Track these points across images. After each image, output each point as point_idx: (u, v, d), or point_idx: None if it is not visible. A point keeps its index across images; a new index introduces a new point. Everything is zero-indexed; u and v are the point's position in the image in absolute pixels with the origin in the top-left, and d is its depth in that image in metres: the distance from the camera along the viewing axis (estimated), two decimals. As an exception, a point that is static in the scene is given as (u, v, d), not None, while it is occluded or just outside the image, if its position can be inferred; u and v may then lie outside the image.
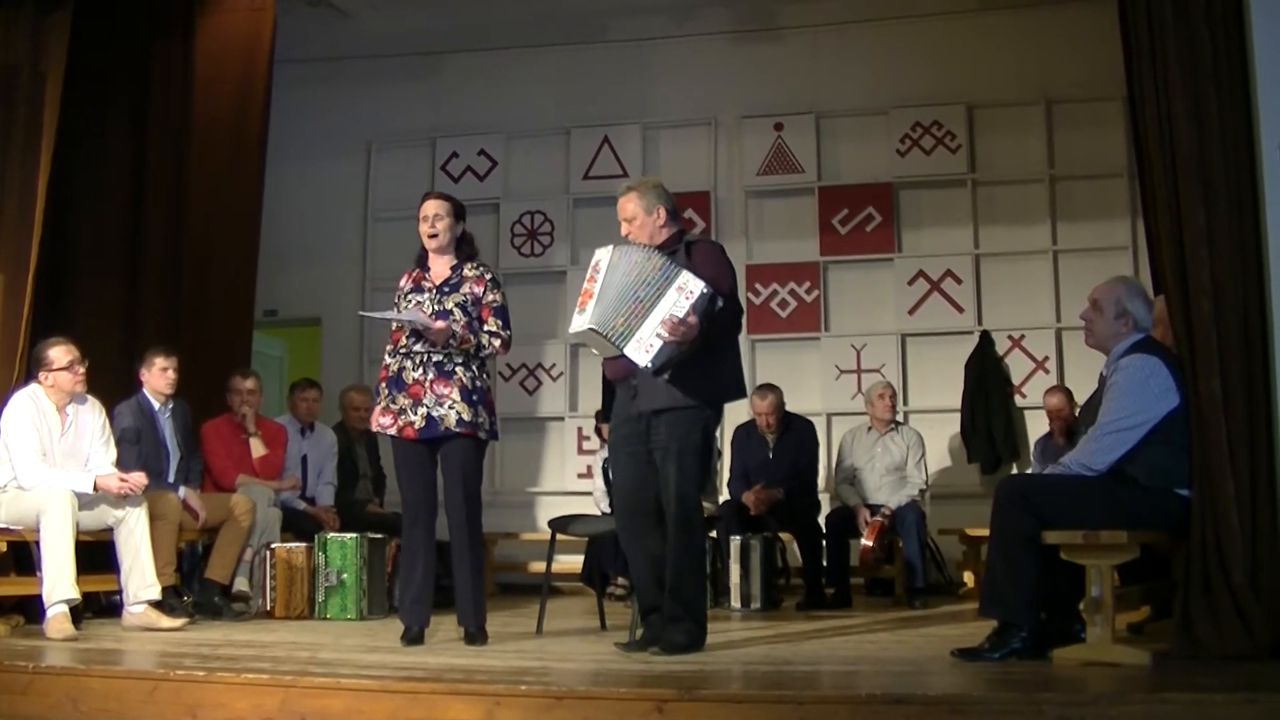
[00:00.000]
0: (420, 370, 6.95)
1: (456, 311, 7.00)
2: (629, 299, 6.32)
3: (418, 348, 6.97)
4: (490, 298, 7.12)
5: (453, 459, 6.98)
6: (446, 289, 7.08)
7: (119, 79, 10.20)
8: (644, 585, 6.61)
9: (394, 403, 6.99)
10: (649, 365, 6.24)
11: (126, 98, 10.26)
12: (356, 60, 13.15)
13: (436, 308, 7.01)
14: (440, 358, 6.95)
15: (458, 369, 6.97)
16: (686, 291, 6.26)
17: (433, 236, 7.13)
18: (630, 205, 6.71)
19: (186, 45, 10.50)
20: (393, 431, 7.00)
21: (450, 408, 6.90)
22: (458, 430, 6.90)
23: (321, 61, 12.95)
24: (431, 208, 7.16)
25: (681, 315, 6.20)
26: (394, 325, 7.12)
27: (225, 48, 10.73)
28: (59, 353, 7.84)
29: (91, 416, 8.05)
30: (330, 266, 13.19)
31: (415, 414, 6.92)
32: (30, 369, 8.06)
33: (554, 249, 12.94)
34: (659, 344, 6.21)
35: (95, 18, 9.51)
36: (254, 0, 10.72)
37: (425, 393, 6.92)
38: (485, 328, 7.07)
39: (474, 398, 6.98)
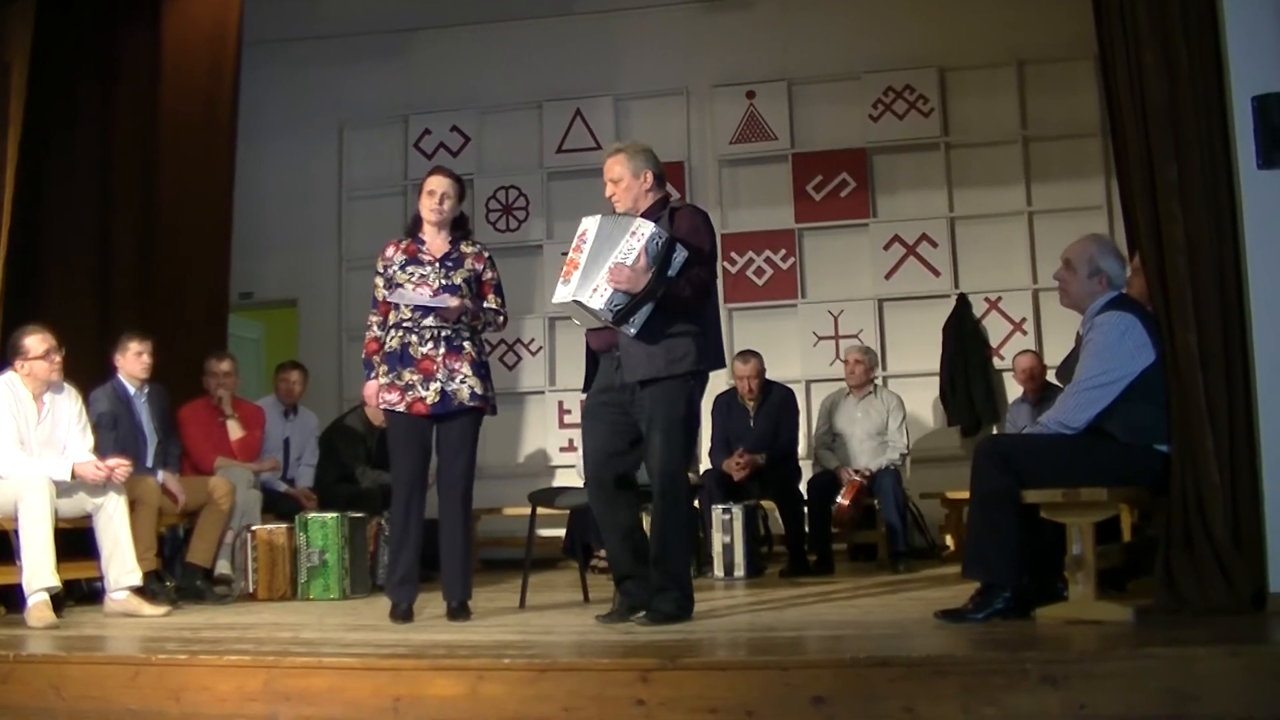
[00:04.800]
0: (430, 345, 6.93)
1: (464, 287, 7.00)
2: (604, 264, 6.34)
3: (427, 322, 6.94)
4: (490, 275, 7.17)
5: (457, 433, 7.00)
6: (450, 264, 7.06)
7: (86, 66, 10.09)
8: (617, 554, 6.65)
9: (400, 379, 6.95)
10: (602, 307, 6.25)
11: (94, 84, 10.15)
12: (325, 40, 13.10)
13: (444, 281, 6.99)
14: (449, 332, 6.94)
15: (466, 343, 6.98)
16: (639, 235, 6.30)
17: (435, 211, 7.09)
18: (617, 167, 6.67)
19: (153, 30, 10.41)
20: (401, 408, 6.95)
21: (463, 382, 6.91)
22: (471, 404, 6.93)
23: (290, 42, 12.91)
24: (442, 184, 7.12)
25: (629, 261, 6.24)
26: (382, 299, 7.08)
27: (193, 31, 10.67)
28: (35, 341, 7.79)
29: (68, 404, 8.01)
30: (306, 247, 13.16)
31: (427, 389, 6.89)
32: (6, 357, 8.01)
33: (529, 223, 12.94)
34: (609, 290, 6.24)
35: (60, 4, 9.43)
36: (220, -18, 10.68)
37: (438, 368, 6.90)
38: (486, 304, 7.10)
39: (482, 371, 7.03)
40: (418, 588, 7.04)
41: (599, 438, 6.69)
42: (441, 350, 6.92)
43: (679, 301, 6.37)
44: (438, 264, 7.05)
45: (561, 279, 6.47)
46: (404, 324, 7.00)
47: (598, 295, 6.28)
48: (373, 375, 7.10)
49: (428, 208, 7.12)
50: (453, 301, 6.88)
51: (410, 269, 7.06)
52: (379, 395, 7.03)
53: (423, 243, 7.16)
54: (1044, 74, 12.00)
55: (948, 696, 4.60)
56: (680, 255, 6.37)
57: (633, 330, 6.33)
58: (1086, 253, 6.22)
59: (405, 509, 7.02)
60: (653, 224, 6.35)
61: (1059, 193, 11.82)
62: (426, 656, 5.33)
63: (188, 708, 5.25)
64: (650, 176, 6.66)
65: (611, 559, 6.72)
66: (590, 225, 6.51)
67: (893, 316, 12.16)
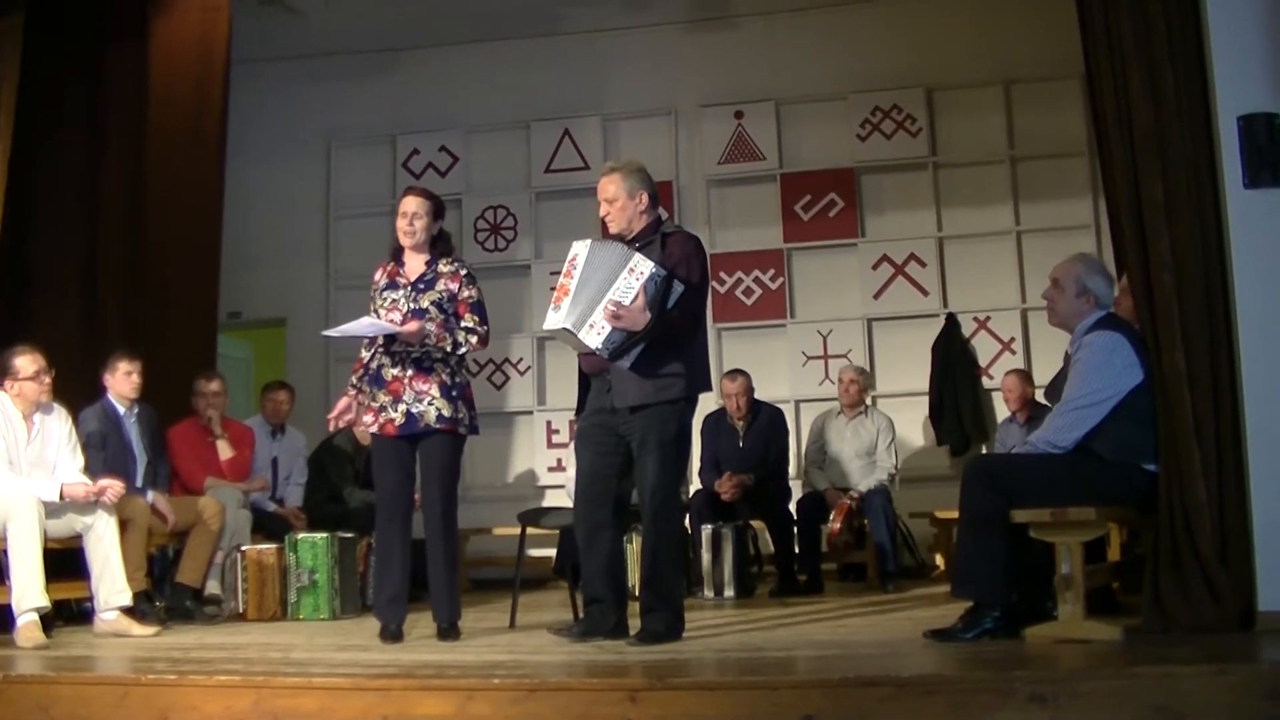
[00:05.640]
0: (399, 367, 6.94)
1: (432, 309, 6.97)
2: (597, 295, 6.32)
3: (396, 346, 6.95)
4: (466, 294, 7.10)
5: (432, 455, 6.96)
6: (421, 286, 7.05)
7: (74, 83, 10.10)
8: (593, 576, 6.61)
9: (374, 400, 6.99)
10: (600, 348, 6.25)
11: (82, 102, 10.17)
12: (313, 59, 13.11)
13: (412, 305, 6.98)
14: (419, 355, 6.94)
15: (436, 365, 6.96)
16: (636, 273, 6.28)
17: (408, 234, 7.09)
18: (611, 187, 6.63)
19: (141, 47, 10.40)
20: (374, 429, 6.99)
21: (430, 404, 6.89)
22: (438, 426, 6.90)
23: (278, 61, 12.91)
24: (411, 205, 7.11)
25: (628, 300, 6.23)
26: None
27: (180, 49, 10.65)
28: (25, 362, 7.79)
29: (58, 424, 8.00)
30: (293, 267, 13.16)
31: (395, 411, 6.91)
32: (-5, 377, 8.01)
33: (517, 243, 12.94)
34: (607, 329, 6.24)
35: (48, 22, 9.44)
36: (208, 0, 10.64)
37: (405, 389, 6.91)
38: (462, 324, 7.05)
39: (453, 393, 6.97)
40: (406, 607, 7.03)
41: (586, 460, 6.67)
42: (409, 372, 6.93)
43: (674, 334, 6.39)
44: (409, 287, 7.06)
45: (552, 305, 6.46)
46: (379, 348, 7.04)
47: (594, 333, 6.28)
48: (346, 393, 7.18)
49: (400, 229, 7.12)
50: (411, 325, 6.86)
51: (386, 294, 7.09)
52: (359, 418, 7.11)
53: (403, 265, 7.17)
54: (1031, 94, 12.04)
55: (937, 716, 4.60)
56: (677, 290, 6.36)
57: (627, 364, 6.34)
58: (1074, 272, 6.25)
59: (388, 529, 7.03)
60: (651, 263, 6.32)
61: (1047, 212, 11.84)
62: (416, 676, 5.32)
63: (177, 728, 5.25)
64: (645, 197, 6.63)
65: (586, 580, 6.69)
66: (581, 250, 6.49)
67: (881, 336, 12.17)
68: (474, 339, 7.07)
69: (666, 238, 6.57)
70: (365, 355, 7.14)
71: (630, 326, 6.25)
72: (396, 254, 7.22)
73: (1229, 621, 5.63)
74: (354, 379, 7.16)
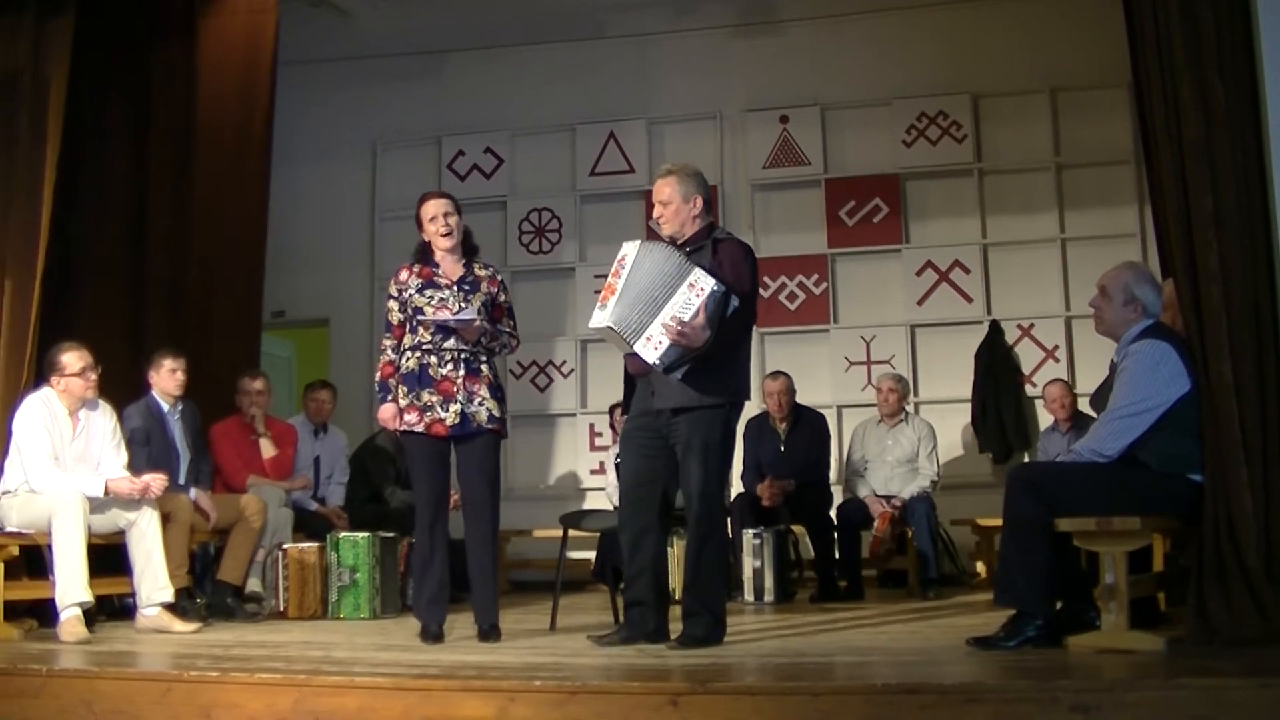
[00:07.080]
0: (450, 367, 6.93)
1: (483, 310, 7.00)
2: (647, 298, 6.29)
3: (448, 344, 6.95)
4: (503, 298, 7.19)
5: (478, 455, 6.98)
6: (466, 287, 7.07)
7: (122, 83, 10.17)
8: (635, 579, 6.62)
9: (419, 399, 6.95)
10: (658, 363, 6.22)
11: (130, 101, 10.24)
12: (360, 60, 13.15)
13: (463, 304, 6.99)
14: (468, 355, 6.95)
15: (483, 366, 7.00)
16: (697, 289, 6.23)
17: (448, 234, 7.08)
18: (667, 189, 6.61)
19: (189, 48, 10.48)
20: (420, 429, 6.95)
21: (481, 404, 6.92)
22: (489, 427, 6.94)
23: (324, 62, 12.96)
24: (442, 206, 7.11)
25: (688, 316, 6.18)
26: (395, 322, 7.08)
27: (228, 50, 10.71)
28: (72, 358, 7.84)
29: (103, 420, 8.06)
30: (338, 267, 13.21)
31: (446, 411, 6.90)
32: (41, 373, 8.05)
33: (562, 246, 12.93)
34: (666, 343, 6.20)
35: (97, 21, 9.49)
36: (256, 2, 10.70)
37: (458, 390, 6.91)
38: (500, 327, 7.10)
39: (499, 394, 7.04)
40: (447, 608, 7.05)
41: (631, 463, 6.67)
42: (461, 372, 6.93)
43: (724, 344, 6.36)
44: (454, 287, 7.06)
45: (599, 304, 6.42)
46: (424, 346, 6.99)
47: (651, 347, 6.24)
48: (388, 398, 7.07)
49: (439, 232, 7.09)
50: (477, 322, 6.86)
51: (428, 293, 7.05)
52: (401, 417, 7.04)
53: (436, 266, 7.15)
54: (1077, 101, 11.98)
55: (978, 724, 4.60)
56: (733, 304, 6.33)
57: (678, 376, 6.33)
58: (1122, 280, 6.22)
59: (430, 530, 7.01)
60: (712, 279, 6.26)
61: (1092, 220, 11.78)
62: (457, 677, 5.33)
63: (218, 725, 5.27)
64: (700, 201, 6.61)
65: (628, 583, 6.67)
66: (630, 251, 6.44)
67: (925, 343, 12.13)
68: (514, 342, 7.20)
69: (718, 244, 6.53)
70: (394, 357, 7.13)
71: (689, 343, 6.22)
72: (426, 256, 7.20)
73: (1273, 634, 5.57)
74: (390, 383, 7.07)
